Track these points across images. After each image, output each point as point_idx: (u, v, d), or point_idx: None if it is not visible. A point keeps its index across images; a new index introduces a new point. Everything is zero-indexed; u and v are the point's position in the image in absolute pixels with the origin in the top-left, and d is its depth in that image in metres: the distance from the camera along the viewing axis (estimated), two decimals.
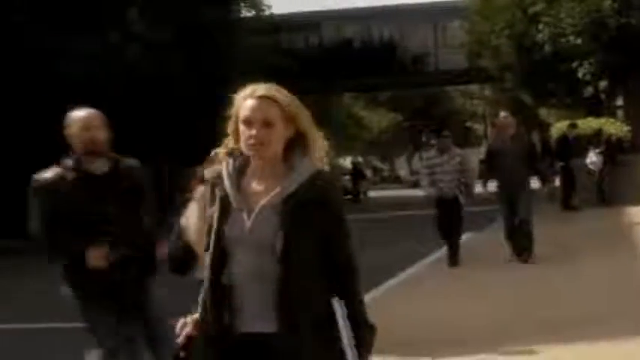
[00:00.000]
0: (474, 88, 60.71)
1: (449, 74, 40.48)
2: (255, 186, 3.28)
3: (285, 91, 3.29)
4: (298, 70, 31.38)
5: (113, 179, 5.48)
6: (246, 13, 32.09)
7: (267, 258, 3.18)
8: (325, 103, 44.13)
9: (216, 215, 3.28)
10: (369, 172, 55.64)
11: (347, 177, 39.60)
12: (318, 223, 3.21)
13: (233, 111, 3.29)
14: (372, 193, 43.80)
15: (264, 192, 3.25)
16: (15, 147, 22.22)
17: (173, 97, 25.81)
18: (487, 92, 59.32)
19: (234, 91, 3.30)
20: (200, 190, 4.84)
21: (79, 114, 5.50)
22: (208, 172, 3.60)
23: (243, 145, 3.26)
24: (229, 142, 3.34)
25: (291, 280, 3.15)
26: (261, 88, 3.27)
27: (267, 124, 3.21)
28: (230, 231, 3.23)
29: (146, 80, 24.33)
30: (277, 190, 3.22)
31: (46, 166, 5.51)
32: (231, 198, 3.26)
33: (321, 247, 3.23)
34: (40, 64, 21.71)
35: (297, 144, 3.29)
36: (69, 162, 5.46)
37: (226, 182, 3.29)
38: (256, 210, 3.22)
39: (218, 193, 3.30)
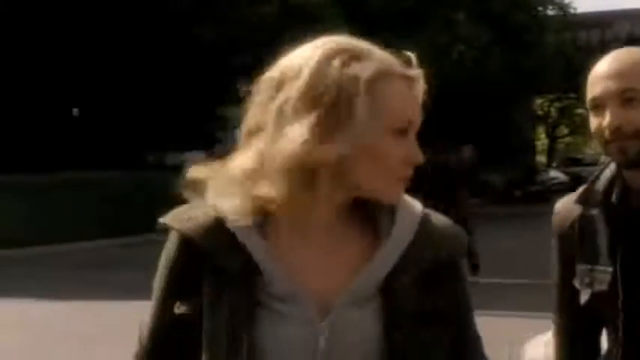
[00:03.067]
0: None
1: None
2: (309, 253, 1.56)
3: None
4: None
5: None
6: (551, 12, 33.24)
7: None
8: None
9: (224, 315, 1.52)
10: None
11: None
12: (443, 311, 1.60)
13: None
14: None
15: (335, 267, 1.55)
16: None
17: (490, 94, 27.41)
18: None
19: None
20: None
21: None
22: (177, 216, 1.59)
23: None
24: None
25: None
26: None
27: None
28: (277, 350, 1.51)
29: (467, 78, 26.04)
30: (372, 264, 1.55)
31: None
32: (268, 277, 1.52)
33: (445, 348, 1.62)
34: None
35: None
36: None
37: (248, 241, 1.53)
38: (335, 308, 1.52)
39: (224, 263, 1.53)
